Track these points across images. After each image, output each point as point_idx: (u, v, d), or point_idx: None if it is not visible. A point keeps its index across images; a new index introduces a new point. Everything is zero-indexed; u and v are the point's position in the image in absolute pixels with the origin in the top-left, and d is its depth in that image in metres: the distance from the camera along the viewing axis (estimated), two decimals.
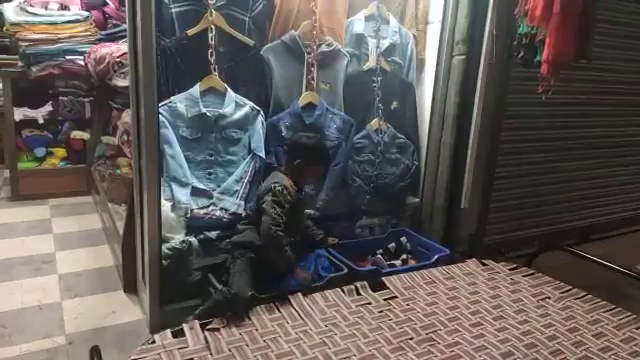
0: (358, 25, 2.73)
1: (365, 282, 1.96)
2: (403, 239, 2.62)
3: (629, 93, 3.26)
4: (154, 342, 1.53)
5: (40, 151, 4.02)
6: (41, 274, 2.70)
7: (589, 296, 1.97)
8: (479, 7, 2.56)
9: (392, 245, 2.59)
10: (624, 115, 3.31)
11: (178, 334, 1.59)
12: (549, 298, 1.92)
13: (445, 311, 1.78)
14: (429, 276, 2.04)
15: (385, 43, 2.74)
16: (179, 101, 2.30)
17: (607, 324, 1.79)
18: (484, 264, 2.17)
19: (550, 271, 2.11)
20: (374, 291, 1.91)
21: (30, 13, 3.75)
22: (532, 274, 2.11)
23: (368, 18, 2.73)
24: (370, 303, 1.84)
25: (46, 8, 3.84)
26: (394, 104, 2.80)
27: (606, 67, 3.05)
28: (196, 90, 2.30)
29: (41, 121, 4.11)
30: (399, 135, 2.79)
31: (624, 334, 1.73)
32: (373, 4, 2.71)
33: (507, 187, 2.83)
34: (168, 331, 1.59)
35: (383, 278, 1.99)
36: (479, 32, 2.57)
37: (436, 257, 2.30)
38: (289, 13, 2.51)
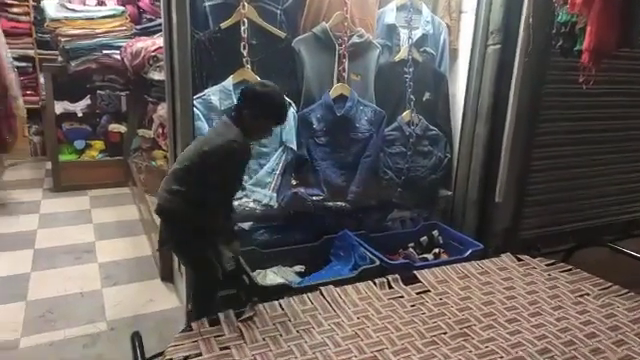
0: (390, 15, 2.70)
1: (397, 275, 1.95)
2: (435, 232, 2.60)
3: None
4: (191, 329, 1.58)
5: (80, 143, 4.17)
6: (82, 262, 2.81)
7: (631, 293, 1.91)
8: None
9: (424, 239, 2.57)
10: None
11: (214, 322, 1.63)
12: (588, 295, 1.87)
13: (479, 306, 1.76)
14: (462, 270, 2.01)
15: (417, 33, 2.70)
16: (213, 94, 2.33)
17: None
18: (519, 259, 2.13)
19: (588, 267, 2.05)
20: (406, 284, 1.91)
21: (69, 9, 3.87)
22: (570, 270, 2.05)
23: (400, 8, 2.70)
24: (402, 296, 1.83)
25: (84, 4, 3.95)
26: (426, 95, 2.77)
27: None
28: (229, 83, 2.32)
29: (80, 114, 4.26)
30: (431, 127, 2.75)
31: None
32: None
33: (543, 180, 2.76)
34: (204, 319, 1.63)
35: (415, 272, 1.98)
36: (514, 21, 2.50)
37: (470, 251, 2.27)
38: (320, 4, 2.50)
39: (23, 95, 3.95)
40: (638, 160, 3.14)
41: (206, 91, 2.32)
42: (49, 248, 2.98)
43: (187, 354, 1.47)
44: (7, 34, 3.76)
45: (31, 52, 4.77)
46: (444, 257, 2.43)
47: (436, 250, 2.46)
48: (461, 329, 1.62)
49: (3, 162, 4.36)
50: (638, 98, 3.01)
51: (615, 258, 2.20)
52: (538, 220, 2.79)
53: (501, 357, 1.48)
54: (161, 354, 1.48)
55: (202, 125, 2.30)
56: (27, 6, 4.71)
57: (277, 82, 2.39)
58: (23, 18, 4.74)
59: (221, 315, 1.66)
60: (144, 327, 2.14)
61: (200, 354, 1.47)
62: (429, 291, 1.87)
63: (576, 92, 2.52)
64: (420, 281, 1.92)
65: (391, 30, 2.71)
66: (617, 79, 2.83)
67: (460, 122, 2.79)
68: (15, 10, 4.71)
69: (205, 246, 1.84)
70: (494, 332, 1.61)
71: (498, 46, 2.62)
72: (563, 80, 2.62)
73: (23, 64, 4.57)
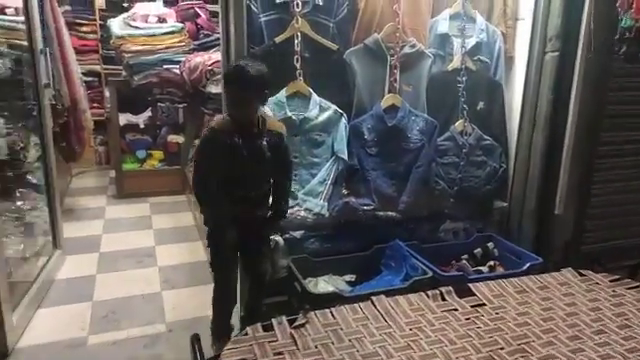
0: (442, 25, 2.68)
1: (450, 287, 1.91)
2: (490, 245, 2.54)
3: None
4: (247, 334, 1.62)
5: (141, 153, 4.40)
6: (143, 266, 2.96)
7: None
8: (574, 0, 2.41)
9: (478, 251, 2.52)
10: None
11: (267, 328, 1.66)
12: None
13: (538, 322, 1.69)
14: (520, 284, 1.95)
15: (471, 42, 2.67)
16: (267, 105, 2.40)
17: None
18: (582, 274, 2.03)
19: None
20: (460, 297, 1.86)
21: (133, 27, 4.12)
22: (637, 287, 1.94)
23: (453, 17, 2.67)
24: (456, 309, 1.80)
25: (146, 21, 4.18)
26: (480, 104, 2.72)
27: None
28: (282, 95, 2.38)
29: (142, 126, 4.50)
30: (485, 137, 2.70)
31: None
32: (458, 2, 2.64)
33: (606, 192, 2.62)
34: (259, 325, 1.67)
35: (469, 284, 1.94)
36: (574, 27, 2.42)
37: (528, 265, 2.19)
38: (372, 16, 2.53)
39: (90, 108, 4.22)
40: None
41: None
42: (113, 252, 3.15)
43: (242, 357, 1.51)
44: (77, 51, 4.03)
45: (97, 67, 5.10)
46: (500, 270, 2.36)
47: (491, 263, 2.40)
48: (519, 345, 1.57)
49: (71, 171, 4.65)
50: None
51: None
52: (601, 233, 2.65)
53: None
54: (218, 357, 1.53)
55: None
56: (95, 25, 5.04)
57: (329, 93, 2.47)
58: (91, 36, 5.08)
59: (274, 321, 1.69)
60: (200, 330, 2.20)
61: (255, 358, 1.50)
62: (484, 305, 1.82)
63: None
64: (475, 294, 1.88)
65: (444, 39, 2.69)
66: None
67: (516, 131, 2.72)
68: (84, 29, 5.05)
69: (218, 242, 1.97)
70: (554, 349, 1.54)
71: (556, 53, 2.54)
72: (627, 87, 2.50)
73: (90, 79, 4.88)
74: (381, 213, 2.47)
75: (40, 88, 2.80)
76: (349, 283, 2.32)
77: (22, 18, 2.76)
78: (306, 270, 2.23)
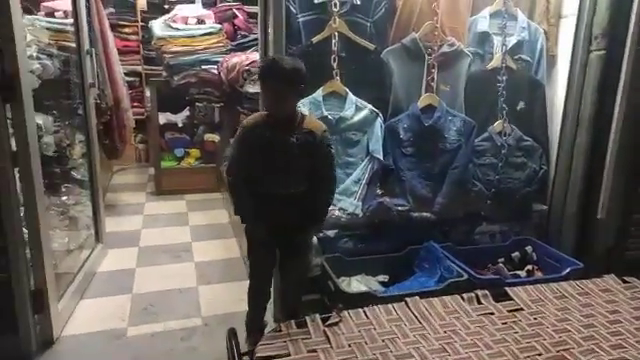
0: (482, 23, 2.63)
1: (487, 291, 1.88)
2: (528, 248, 2.47)
3: None
4: (280, 330, 1.64)
5: (179, 151, 4.51)
6: (180, 261, 3.03)
7: None
8: None
9: (516, 254, 2.46)
10: None
11: (301, 325, 1.68)
12: None
13: (579, 328, 1.64)
14: (559, 290, 1.89)
15: (512, 40, 2.61)
16: (303, 105, 2.40)
17: None
18: (625, 281, 1.96)
19: None
20: (497, 301, 1.83)
21: (173, 28, 4.22)
22: None
23: (493, 15, 2.62)
24: (493, 313, 1.76)
25: (186, 23, 4.28)
26: (520, 104, 2.66)
27: None
28: (319, 94, 2.39)
29: (180, 125, 4.61)
30: (525, 137, 2.63)
31: None
32: (499, 0, 2.59)
33: None
34: (292, 322, 1.69)
35: (506, 288, 1.90)
36: (622, 25, 2.32)
37: (568, 270, 2.13)
38: (410, 15, 2.51)
39: (131, 107, 4.35)
40: None
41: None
42: (151, 246, 3.24)
43: (276, 353, 1.53)
44: (119, 52, 4.17)
45: (139, 68, 5.25)
46: (538, 275, 2.30)
47: (529, 267, 2.34)
48: (558, 352, 1.52)
49: (112, 167, 4.82)
50: None
51: None
52: None
53: None
54: (252, 351, 1.56)
55: None
56: (136, 26, 5.20)
57: (365, 92, 2.47)
58: (133, 37, 5.24)
59: (308, 318, 1.71)
60: (235, 324, 2.25)
61: (288, 354, 1.52)
62: (522, 309, 1.78)
63: None
64: (512, 298, 1.84)
65: (483, 38, 2.64)
66: None
67: (558, 132, 2.64)
68: (126, 30, 5.22)
69: (248, 236, 1.99)
70: (595, 357, 1.49)
71: (602, 52, 2.45)
72: None
73: (131, 79, 5.03)
74: (416, 214, 2.45)
75: (86, 88, 2.91)
76: (382, 283, 2.31)
77: (70, 20, 2.88)
78: (339, 269, 2.24)
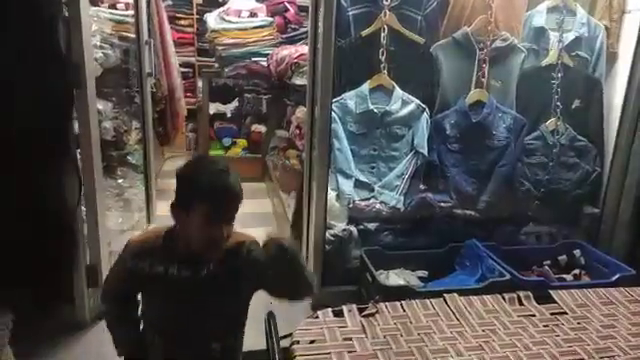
0: (538, 18, 2.55)
1: (529, 292, 1.83)
2: (577, 252, 2.38)
3: None
4: (317, 317, 1.67)
5: (227, 141, 4.64)
6: None
7: None
8: None
9: (562, 257, 2.38)
10: None
11: (338, 314, 1.71)
12: None
13: (625, 337, 1.58)
14: (607, 296, 1.82)
15: (569, 36, 2.52)
16: (349, 98, 2.44)
17: None
18: None
19: None
20: (539, 303, 1.78)
21: (227, 21, 4.33)
22: None
23: (551, 10, 2.54)
24: (534, 315, 1.72)
25: (239, 16, 4.38)
26: (576, 103, 2.56)
27: None
28: (365, 87, 2.41)
29: (229, 115, 4.73)
30: (579, 137, 2.54)
31: None
32: None
33: None
34: (329, 310, 1.71)
35: (550, 291, 1.84)
36: None
37: (617, 276, 2.04)
38: (462, 9, 2.46)
39: (184, 97, 4.51)
40: None
41: (344, 95, 2.43)
42: None
43: (313, 339, 1.57)
44: (175, 44, 4.32)
45: (192, 59, 5.42)
46: (585, 280, 2.21)
47: (576, 271, 2.26)
48: (602, 358, 1.47)
49: (164, 154, 5.01)
50: None
51: None
52: None
53: None
54: (290, 335, 1.60)
55: (337, 127, 2.41)
56: (192, 19, 5.37)
57: (412, 87, 2.45)
58: (188, 29, 5.40)
59: (345, 308, 1.73)
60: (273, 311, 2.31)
61: (325, 340, 1.55)
62: (566, 314, 1.73)
63: None
64: (556, 302, 1.79)
65: (539, 33, 2.56)
66: None
67: (615, 133, 2.53)
68: (182, 22, 5.39)
69: None
70: None
71: None
72: None
73: (185, 70, 5.21)
74: (459, 211, 2.42)
75: (144, 77, 3.05)
76: (421, 279, 2.30)
77: (131, 12, 3.02)
78: (378, 262, 2.25)
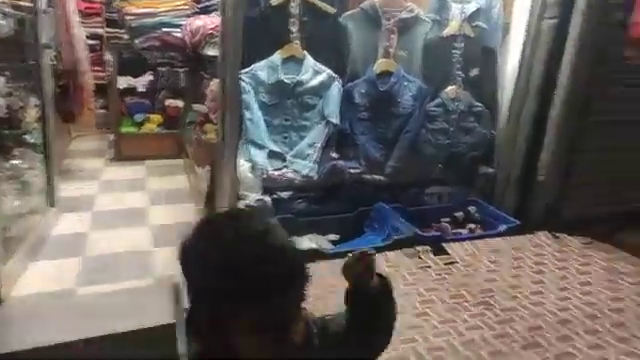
0: None
1: (428, 247, 1.97)
2: (472, 208, 2.57)
3: None
4: None
5: (139, 117, 4.41)
6: (135, 225, 3.02)
7: None
8: None
9: (460, 214, 2.55)
10: None
11: None
12: (623, 274, 1.80)
13: (506, 279, 1.75)
14: (494, 245, 2.00)
15: (471, 7, 2.64)
16: (260, 69, 2.41)
17: None
18: (556, 237, 2.08)
19: (631, 248, 1.97)
20: (435, 255, 1.92)
21: None
22: (608, 250, 1.98)
23: None
24: (430, 267, 1.86)
25: None
26: (474, 71, 2.71)
27: None
28: (277, 58, 2.40)
29: (142, 89, 4.50)
30: (476, 103, 2.70)
31: None
32: None
33: (592, 160, 2.59)
34: None
35: (446, 244, 1.99)
36: None
37: (504, 227, 2.24)
38: None
39: (91, 71, 4.23)
40: None
41: (254, 66, 2.40)
42: (107, 211, 3.20)
43: None
44: (82, 14, 4.03)
45: (100, 30, 5.08)
46: (479, 233, 2.40)
47: (472, 226, 2.44)
48: (484, 298, 1.63)
49: (71, 133, 4.71)
50: None
51: None
52: (583, 200, 2.63)
53: (519, 325, 1.48)
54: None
55: (249, 98, 2.39)
56: None
57: (324, 57, 2.47)
58: None
59: None
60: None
61: None
62: (457, 263, 1.88)
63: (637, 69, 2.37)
64: (449, 253, 1.94)
65: (442, 5, 2.66)
66: None
67: (508, 99, 2.71)
68: None
69: None
70: (517, 302, 1.61)
71: (555, 20, 2.51)
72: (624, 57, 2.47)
73: (93, 42, 4.87)
74: (368, 176, 2.51)
75: (40, 48, 2.82)
76: (333, 242, 2.38)
77: None
78: (291, 229, 2.25)
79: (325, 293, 1.65)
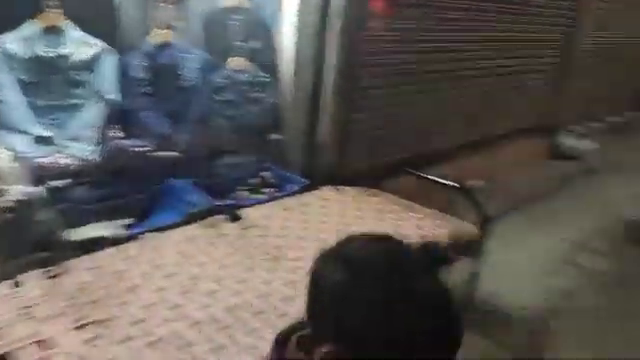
0: None
1: (224, 216, 2.00)
2: (266, 174, 2.69)
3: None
4: None
5: None
6: None
7: (417, 206, 2.22)
8: None
9: (254, 180, 2.64)
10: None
11: (17, 285, 1.51)
12: (388, 212, 2.13)
13: (296, 233, 1.90)
14: (286, 204, 2.14)
15: None
16: (10, 42, 2.08)
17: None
18: (337, 189, 2.33)
19: (392, 192, 2.33)
20: (233, 222, 1.96)
21: None
22: (379, 195, 2.31)
23: None
24: (227, 234, 1.89)
25: None
26: (255, 43, 2.77)
27: None
28: (31, 28, 2.09)
29: None
30: (261, 74, 2.79)
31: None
32: None
33: (365, 119, 2.94)
34: (10, 282, 1.51)
35: (242, 210, 2.05)
36: None
37: (294, 187, 2.41)
38: None
39: None
40: (442, 98, 3.50)
41: (1, 38, 2.05)
42: None
43: None
44: None
45: None
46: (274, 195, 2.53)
47: (267, 190, 2.55)
48: (275, 255, 1.73)
49: None
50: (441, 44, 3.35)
51: (422, 184, 2.52)
52: (361, 155, 2.94)
53: (305, 269, 1.62)
54: None
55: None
56: None
57: (90, 27, 2.22)
58: None
59: (21, 277, 1.54)
60: None
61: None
62: (254, 226, 1.95)
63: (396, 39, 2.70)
64: (245, 218, 2.00)
65: None
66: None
67: (289, 70, 2.85)
68: None
69: None
70: (304, 252, 1.75)
71: None
72: (384, 28, 2.81)
73: None
74: (157, 153, 2.40)
75: None
76: (126, 227, 2.22)
77: None
78: (75, 219, 2.06)
79: (113, 281, 1.55)
